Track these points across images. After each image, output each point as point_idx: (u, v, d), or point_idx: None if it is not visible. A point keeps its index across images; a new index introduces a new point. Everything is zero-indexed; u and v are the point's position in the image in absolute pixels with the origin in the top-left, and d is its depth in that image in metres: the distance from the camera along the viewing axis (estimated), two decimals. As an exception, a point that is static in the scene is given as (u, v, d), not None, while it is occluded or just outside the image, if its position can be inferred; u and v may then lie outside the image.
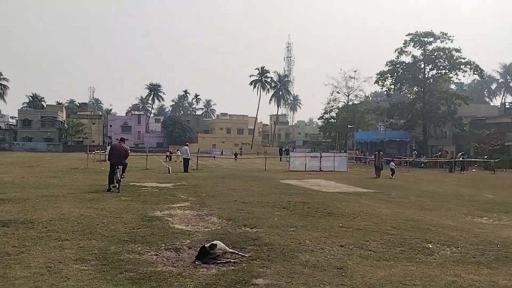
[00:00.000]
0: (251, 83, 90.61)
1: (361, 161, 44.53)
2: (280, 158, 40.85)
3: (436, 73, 45.37)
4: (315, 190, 14.50)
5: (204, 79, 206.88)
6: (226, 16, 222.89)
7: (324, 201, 11.21)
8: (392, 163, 24.13)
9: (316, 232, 7.03)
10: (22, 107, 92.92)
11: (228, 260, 5.27)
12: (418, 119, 45.85)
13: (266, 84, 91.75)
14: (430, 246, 6.34)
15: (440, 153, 40.66)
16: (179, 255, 5.61)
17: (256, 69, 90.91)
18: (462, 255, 5.85)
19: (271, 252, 5.70)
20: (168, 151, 40.56)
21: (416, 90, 47.56)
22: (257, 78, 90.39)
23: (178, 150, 38.86)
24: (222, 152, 63.87)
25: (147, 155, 26.10)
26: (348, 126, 57.94)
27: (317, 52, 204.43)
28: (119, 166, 12.51)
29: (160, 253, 5.61)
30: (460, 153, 35.86)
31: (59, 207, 8.95)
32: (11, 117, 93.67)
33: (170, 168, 21.82)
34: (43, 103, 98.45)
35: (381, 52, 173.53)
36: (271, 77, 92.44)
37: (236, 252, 5.57)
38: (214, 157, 23.18)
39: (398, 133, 47.91)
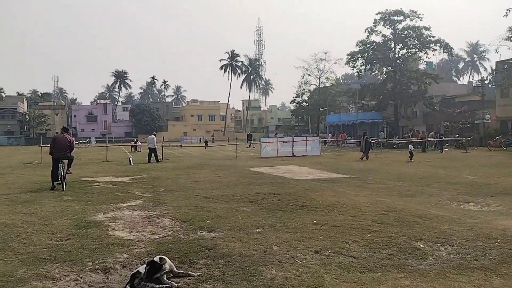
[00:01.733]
0: (221, 68, 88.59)
1: (327, 143, 44.10)
2: (249, 144, 39.47)
3: (406, 53, 44.93)
4: (287, 178, 13.39)
5: (174, 65, 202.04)
6: None
7: (296, 191, 10.10)
8: (410, 145, 22.94)
9: (286, 234, 5.87)
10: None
11: (169, 285, 4.01)
12: (389, 99, 45.45)
13: (237, 69, 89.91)
14: (421, 245, 5.29)
15: (411, 133, 40.52)
16: (107, 278, 4.31)
17: (226, 53, 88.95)
18: (461, 257, 4.81)
19: (228, 267, 4.48)
20: (132, 141, 38.55)
21: (387, 70, 47.10)
22: (227, 62, 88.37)
23: (137, 141, 37.04)
24: (200, 140, 60.35)
25: (107, 146, 24.26)
26: (320, 109, 57.25)
27: (287, 35, 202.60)
28: (63, 161, 10.96)
29: (82, 277, 4.29)
30: (433, 132, 35.72)
31: (-21, 214, 7.43)
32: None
33: (131, 159, 20.21)
34: (2, 94, 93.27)
35: (354, 33, 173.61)
36: (241, 61, 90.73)
37: (182, 272, 4.31)
38: (181, 145, 21.67)
39: (370, 114, 47.50)
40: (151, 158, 21.20)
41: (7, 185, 11.92)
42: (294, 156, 25.06)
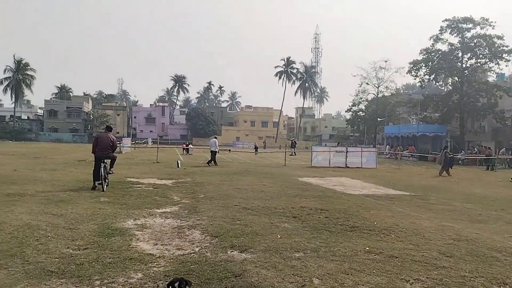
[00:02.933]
0: (276, 75, 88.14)
1: (384, 155, 41.74)
2: (292, 152, 36.82)
3: (475, 63, 41.51)
4: (338, 191, 12.27)
5: (231, 71, 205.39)
6: (252, 6, 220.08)
7: (347, 207, 9.02)
8: None
9: (332, 262, 4.90)
10: (51, 98, 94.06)
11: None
12: (455, 112, 42.25)
13: (292, 76, 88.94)
14: (507, 293, 4.11)
15: (477, 148, 37.30)
16: (110, 304, 3.62)
17: (282, 59, 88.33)
18: None
19: (255, 303, 3.62)
20: (184, 144, 38.88)
21: (453, 81, 43.89)
22: (282, 69, 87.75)
23: (189, 144, 37.42)
24: (254, 146, 52.83)
25: (158, 147, 24.37)
26: (378, 119, 54.73)
27: (346, 43, 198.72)
28: (106, 160, 10.71)
29: (82, 300, 3.64)
30: (504, 149, 32.53)
31: (10, 211, 7.19)
32: (40, 108, 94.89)
33: (179, 162, 20.01)
34: (70, 93, 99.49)
35: (415, 42, 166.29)
36: (297, 68, 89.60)
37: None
38: (229, 150, 21.36)
39: (432, 127, 44.37)
40: (211, 161, 21.81)
41: (52, 182, 11.92)
42: (347, 167, 23.67)
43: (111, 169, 11.21)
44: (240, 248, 5.38)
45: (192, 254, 5.08)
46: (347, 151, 24.98)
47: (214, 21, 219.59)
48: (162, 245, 5.51)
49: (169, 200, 9.27)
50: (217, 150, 22.52)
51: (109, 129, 11.33)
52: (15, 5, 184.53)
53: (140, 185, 11.87)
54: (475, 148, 37.70)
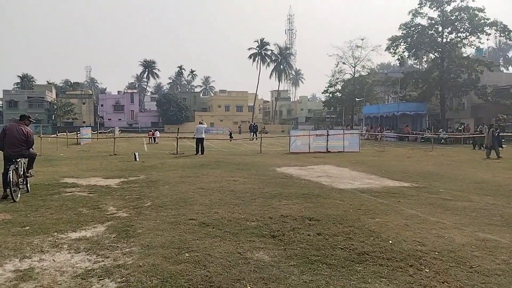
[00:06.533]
0: (250, 57, 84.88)
1: (367, 137, 40.04)
2: (252, 137, 34.82)
3: (455, 37, 39.92)
4: (325, 185, 9.93)
5: (204, 55, 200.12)
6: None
7: (343, 213, 6.68)
8: None
9: None
10: (13, 88, 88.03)
11: None
12: (435, 89, 40.77)
13: (266, 58, 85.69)
14: None
15: (463, 126, 36.05)
16: None
17: (256, 41, 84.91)
18: None
19: None
20: (150, 131, 35.83)
21: (433, 57, 42.28)
22: (256, 51, 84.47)
23: (155, 131, 34.54)
24: (229, 132, 46.18)
25: (114, 138, 21.45)
26: (356, 99, 52.92)
27: (320, 24, 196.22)
28: (19, 159, 7.96)
29: None
30: (481, 126, 31.23)
31: None
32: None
33: (137, 154, 17.26)
34: (33, 83, 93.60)
35: (391, 19, 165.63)
36: (271, 50, 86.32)
37: None
38: (193, 137, 19.11)
39: (413, 105, 42.65)
40: (203, 151, 20.00)
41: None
42: (329, 152, 21.48)
43: (29, 171, 8.44)
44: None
45: None
46: (328, 135, 22.73)
47: (184, 3, 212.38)
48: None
49: (98, 214, 6.68)
50: (203, 136, 20.36)
51: (23, 118, 8.36)
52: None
53: (73, 189, 9.19)
54: (462, 126, 36.41)
